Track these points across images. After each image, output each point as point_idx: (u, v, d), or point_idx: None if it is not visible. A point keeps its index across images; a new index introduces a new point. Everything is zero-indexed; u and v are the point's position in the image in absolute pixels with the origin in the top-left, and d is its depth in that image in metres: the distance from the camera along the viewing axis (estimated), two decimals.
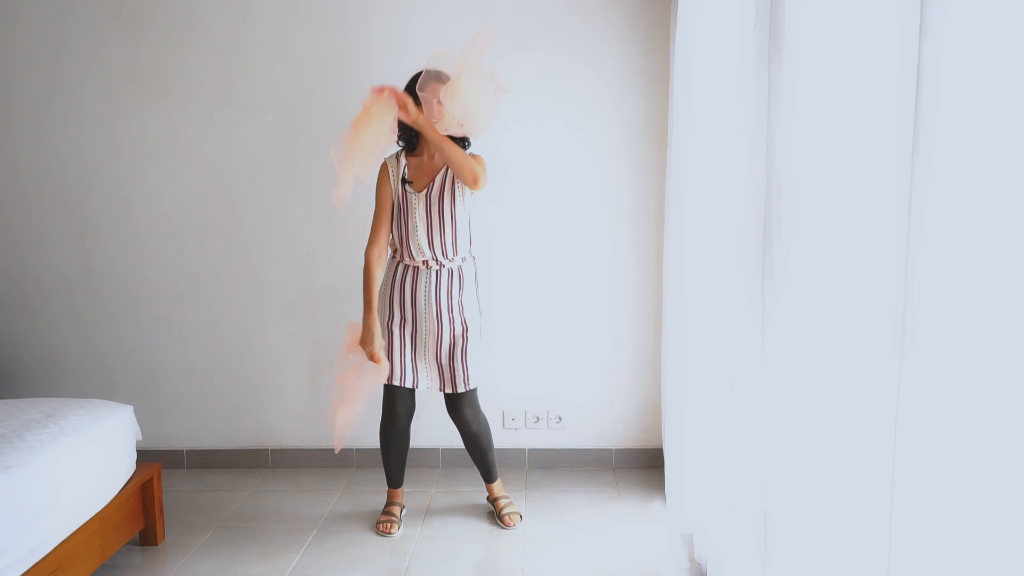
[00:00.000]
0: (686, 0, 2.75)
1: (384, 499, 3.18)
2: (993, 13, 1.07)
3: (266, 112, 3.47)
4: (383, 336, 2.87)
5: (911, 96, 1.18)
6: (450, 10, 3.36)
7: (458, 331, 2.87)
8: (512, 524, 2.99)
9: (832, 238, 1.53)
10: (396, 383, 2.88)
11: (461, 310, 2.87)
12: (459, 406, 2.95)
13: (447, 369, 2.88)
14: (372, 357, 2.80)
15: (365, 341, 2.81)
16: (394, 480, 3.09)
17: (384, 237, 2.89)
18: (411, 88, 2.78)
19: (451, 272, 2.86)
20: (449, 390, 2.90)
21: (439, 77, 2.73)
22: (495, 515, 3.06)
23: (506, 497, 3.10)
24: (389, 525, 2.97)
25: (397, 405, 2.95)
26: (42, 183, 3.54)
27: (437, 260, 2.84)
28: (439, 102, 2.71)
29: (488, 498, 3.12)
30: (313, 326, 3.57)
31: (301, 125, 3.46)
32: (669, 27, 3.28)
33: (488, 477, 3.10)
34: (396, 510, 3.05)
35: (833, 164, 1.53)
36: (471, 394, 2.95)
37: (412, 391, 2.97)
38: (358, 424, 2.81)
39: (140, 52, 3.45)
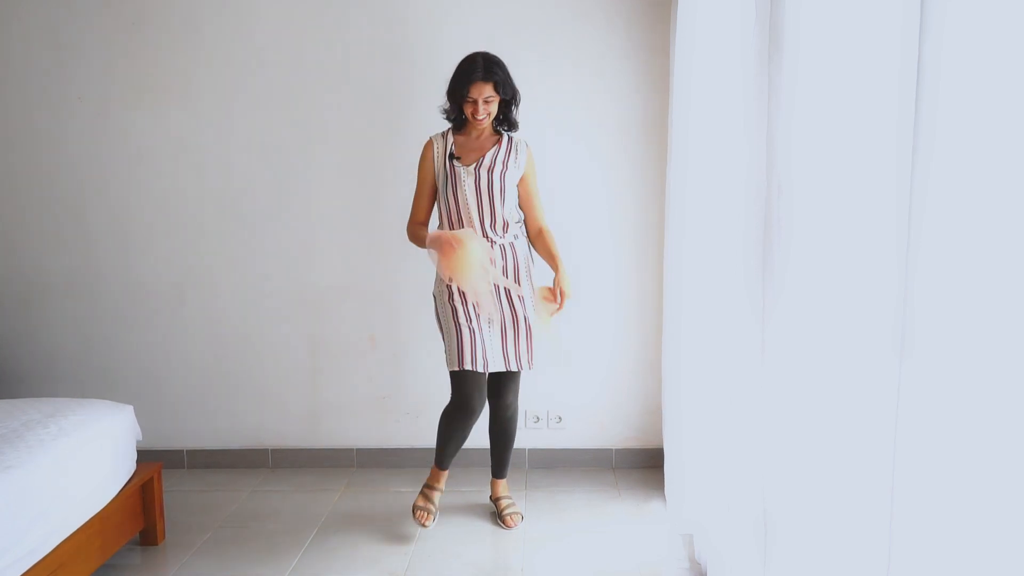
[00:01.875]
0: (686, 0, 2.75)
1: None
2: (993, 14, 1.07)
3: (266, 112, 3.47)
4: (449, 321, 2.77)
5: (911, 96, 1.18)
6: (452, 10, 3.36)
7: (520, 311, 2.81)
8: (513, 525, 2.99)
9: (832, 238, 1.53)
10: (468, 367, 2.72)
11: (518, 287, 2.81)
12: (506, 387, 2.91)
13: (512, 347, 2.80)
14: (451, 239, 2.63)
15: (441, 241, 2.64)
16: (445, 461, 2.96)
17: (424, 214, 2.86)
18: (454, 87, 2.72)
19: (503, 248, 2.80)
20: (514, 367, 2.81)
21: (488, 74, 2.66)
22: (496, 515, 3.06)
23: (509, 497, 3.10)
24: (425, 515, 2.90)
25: (475, 396, 2.79)
26: (42, 183, 3.54)
27: (488, 236, 2.78)
28: (485, 100, 2.69)
29: (491, 497, 3.12)
30: (313, 326, 3.57)
31: (302, 125, 3.46)
32: (669, 27, 3.28)
33: (499, 472, 3.09)
34: (435, 496, 2.96)
35: (833, 164, 1.53)
36: (518, 377, 2.93)
37: (485, 379, 2.83)
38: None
39: (141, 51, 3.45)
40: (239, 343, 3.59)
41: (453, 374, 2.81)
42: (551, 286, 2.83)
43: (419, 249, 2.94)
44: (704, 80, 2.54)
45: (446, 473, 3.02)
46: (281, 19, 3.43)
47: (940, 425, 1.16)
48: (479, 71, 2.67)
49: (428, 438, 3.46)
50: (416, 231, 2.87)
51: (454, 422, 2.87)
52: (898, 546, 1.26)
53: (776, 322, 1.74)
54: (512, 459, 3.49)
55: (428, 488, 2.99)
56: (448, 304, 2.80)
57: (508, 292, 2.80)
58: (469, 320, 2.77)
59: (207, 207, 3.53)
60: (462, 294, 2.77)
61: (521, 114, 2.86)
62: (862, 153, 1.42)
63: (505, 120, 2.85)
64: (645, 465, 3.56)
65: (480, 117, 2.72)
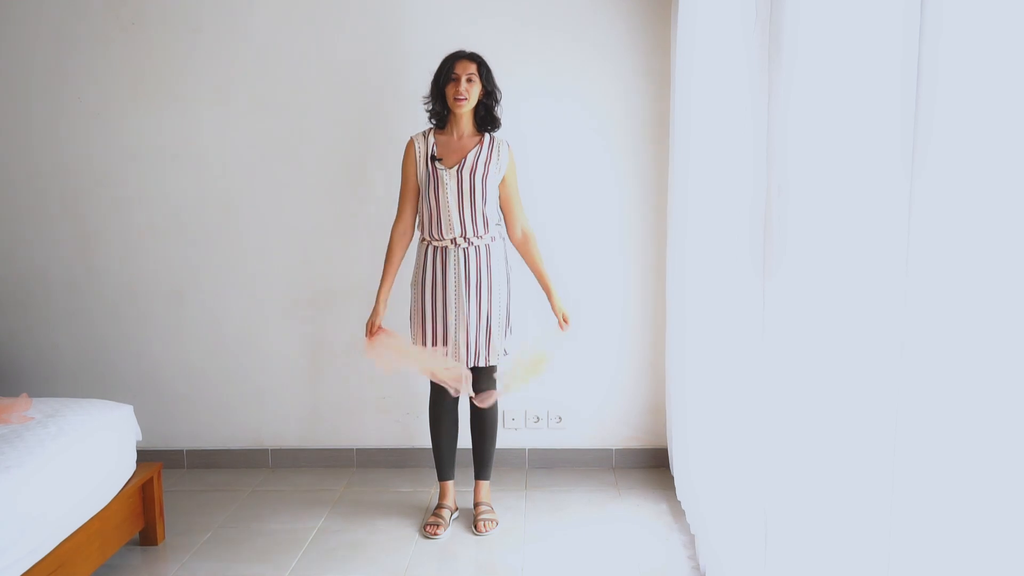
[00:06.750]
0: (687, 1, 2.75)
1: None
2: (993, 13, 1.07)
3: (266, 112, 3.47)
4: (417, 313, 2.90)
5: (912, 95, 1.18)
6: (453, 9, 3.35)
7: (485, 310, 2.85)
8: (484, 531, 2.93)
9: (834, 238, 1.53)
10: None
11: (490, 290, 2.86)
12: (477, 381, 2.92)
13: (473, 343, 2.85)
14: (368, 327, 2.87)
15: (372, 313, 2.89)
16: (444, 471, 3.04)
17: (409, 214, 2.92)
18: (439, 69, 2.83)
19: (478, 250, 2.84)
20: (473, 364, 2.86)
21: (472, 56, 2.82)
22: (472, 519, 3.01)
23: (487, 505, 3.05)
24: (435, 527, 2.93)
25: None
26: (42, 183, 3.54)
27: (467, 238, 2.82)
28: (468, 79, 2.77)
29: (473, 501, 3.07)
30: (313, 326, 3.57)
31: (301, 125, 3.46)
32: (670, 29, 3.28)
33: (481, 472, 3.06)
34: (445, 513, 3.00)
35: (834, 163, 1.52)
36: (490, 372, 2.95)
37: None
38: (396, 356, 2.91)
39: (140, 52, 3.45)
40: (239, 343, 3.59)
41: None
42: (556, 319, 2.96)
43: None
44: (705, 80, 2.54)
45: (451, 485, 3.06)
46: (280, 20, 3.43)
47: (941, 429, 1.16)
48: (464, 52, 2.84)
49: (428, 438, 3.45)
50: (392, 248, 2.93)
51: (436, 409, 3.00)
52: (898, 551, 1.26)
53: (776, 324, 1.74)
54: (512, 459, 3.51)
55: (438, 507, 3.03)
56: (419, 296, 2.89)
57: (479, 292, 2.85)
58: (435, 318, 2.88)
59: (206, 207, 3.52)
60: (433, 294, 2.87)
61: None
62: (863, 151, 1.42)
63: (487, 117, 2.87)
64: (645, 465, 3.56)
65: (462, 97, 2.76)
